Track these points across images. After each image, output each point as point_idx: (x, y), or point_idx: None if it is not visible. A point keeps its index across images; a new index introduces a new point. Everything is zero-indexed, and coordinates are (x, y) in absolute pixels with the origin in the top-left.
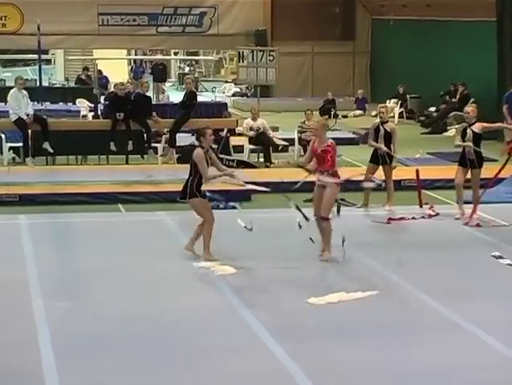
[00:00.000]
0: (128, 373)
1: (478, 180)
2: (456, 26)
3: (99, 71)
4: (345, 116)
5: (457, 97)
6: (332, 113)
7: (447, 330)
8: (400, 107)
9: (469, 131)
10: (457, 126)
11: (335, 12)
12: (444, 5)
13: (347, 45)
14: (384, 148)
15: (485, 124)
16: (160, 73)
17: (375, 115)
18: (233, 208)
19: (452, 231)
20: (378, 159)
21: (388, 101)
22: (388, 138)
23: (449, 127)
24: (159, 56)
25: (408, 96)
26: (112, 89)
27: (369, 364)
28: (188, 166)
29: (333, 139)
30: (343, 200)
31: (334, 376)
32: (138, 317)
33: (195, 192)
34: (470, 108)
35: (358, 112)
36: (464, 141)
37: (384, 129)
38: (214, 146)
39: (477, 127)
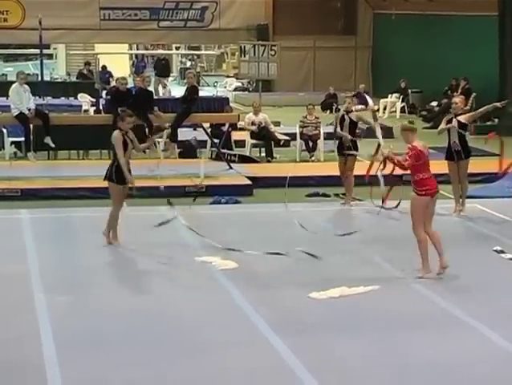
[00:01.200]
0: (128, 367)
1: (466, 171)
2: (458, 20)
3: (104, 66)
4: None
5: (459, 92)
6: (334, 108)
7: (449, 324)
8: (402, 101)
9: (454, 120)
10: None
11: (337, 6)
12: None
13: (348, 39)
14: (349, 137)
15: (472, 113)
16: (163, 68)
17: (377, 110)
18: (236, 202)
19: (452, 226)
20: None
21: (389, 95)
22: (354, 127)
23: None
24: (160, 51)
25: (409, 91)
26: (114, 83)
27: (370, 358)
28: (189, 160)
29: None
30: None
31: (335, 370)
32: (139, 311)
33: (111, 176)
34: (458, 99)
35: (360, 107)
36: (449, 133)
37: (350, 118)
38: (216, 141)
39: (464, 117)
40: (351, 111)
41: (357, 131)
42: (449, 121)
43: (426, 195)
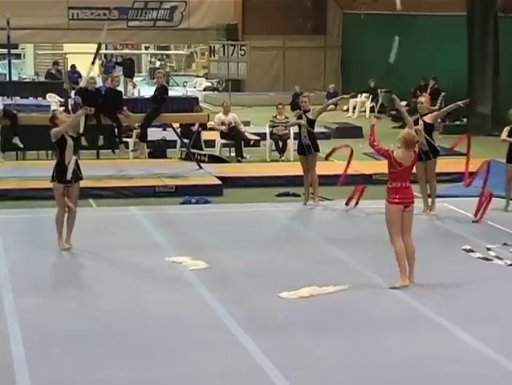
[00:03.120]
0: (98, 368)
1: (434, 171)
2: (426, 20)
3: (73, 66)
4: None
5: (428, 91)
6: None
7: (419, 323)
8: (372, 101)
9: (420, 121)
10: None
11: (306, 6)
12: (415, 0)
13: (318, 39)
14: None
15: (436, 113)
16: (129, 68)
17: (347, 110)
18: (206, 202)
19: (422, 225)
20: (304, 149)
21: (359, 95)
22: (311, 126)
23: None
24: (127, 50)
25: (379, 90)
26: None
27: (341, 357)
28: (159, 160)
29: None
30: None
31: (306, 369)
32: (110, 312)
33: (53, 175)
34: (424, 98)
35: (329, 107)
36: (416, 134)
37: (307, 117)
38: (186, 140)
39: (429, 117)
40: (309, 110)
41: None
42: (416, 122)
43: (397, 204)
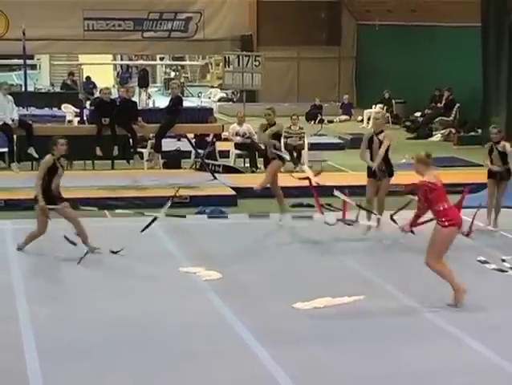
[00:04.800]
0: (112, 377)
1: (386, 190)
2: (441, 31)
3: (88, 77)
4: (331, 121)
5: (443, 102)
6: (318, 118)
7: (433, 334)
8: (386, 112)
9: (375, 139)
10: (442, 131)
11: (321, 17)
12: (430, 10)
13: (332, 50)
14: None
15: (389, 133)
16: (143, 78)
17: (361, 120)
18: (220, 213)
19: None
20: (268, 161)
21: (373, 106)
22: (276, 139)
23: (434, 132)
24: (141, 61)
25: (393, 101)
26: (98, 94)
27: (354, 368)
28: (173, 171)
29: (319, 144)
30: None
31: (318, 380)
32: (123, 321)
33: (36, 196)
34: (380, 114)
35: (344, 117)
36: (372, 151)
37: (271, 130)
38: (200, 151)
39: (383, 136)
40: (275, 123)
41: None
42: (370, 140)
43: (452, 226)
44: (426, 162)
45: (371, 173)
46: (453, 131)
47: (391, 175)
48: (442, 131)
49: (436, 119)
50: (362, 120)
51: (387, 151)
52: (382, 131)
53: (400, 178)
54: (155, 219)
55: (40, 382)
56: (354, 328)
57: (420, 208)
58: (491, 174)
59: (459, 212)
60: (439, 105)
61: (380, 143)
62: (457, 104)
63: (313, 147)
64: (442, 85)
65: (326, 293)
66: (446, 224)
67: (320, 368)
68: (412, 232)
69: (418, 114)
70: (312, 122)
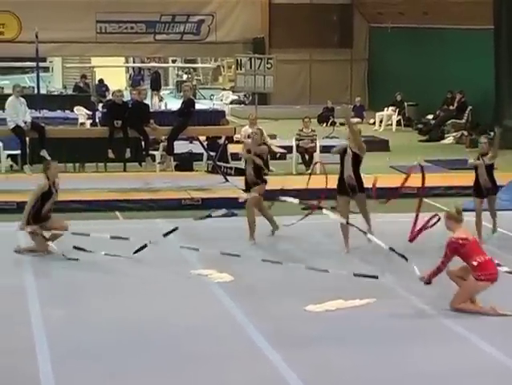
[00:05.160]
0: (124, 380)
1: (364, 204)
2: (453, 33)
3: (100, 80)
4: (343, 124)
5: (455, 105)
6: (330, 121)
7: (443, 336)
8: (398, 114)
9: (348, 150)
10: (454, 134)
11: (333, 20)
12: (442, 13)
13: (344, 52)
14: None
15: (362, 146)
16: (155, 81)
17: (373, 123)
18: (232, 215)
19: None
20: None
21: (385, 109)
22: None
23: (446, 135)
24: (153, 64)
25: (405, 104)
26: (110, 96)
27: (365, 370)
28: (185, 173)
29: (331, 146)
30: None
31: (330, 382)
32: (136, 324)
33: (29, 220)
34: (356, 126)
35: (356, 120)
36: (343, 163)
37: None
38: (212, 153)
39: (354, 146)
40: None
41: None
42: (344, 151)
43: (488, 280)
44: (457, 218)
45: (341, 189)
46: (466, 133)
47: (362, 190)
48: (454, 134)
49: (449, 122)
50: (374, 123)
51: (358, 164)
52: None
53: (413, 180)
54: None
55: (52, 384)
56: (365, 331)
57: (443, 262)
58: (478, 191)
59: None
60: (451, 107)
61: (353, 154)
62: (470, 107)
63: (325, 149)
64: (454, 87)
65: (338, 296)
66: (482, 278)
67: (332, 371)
68: (429, 283)
69: (430, 116)
70: (324, 124)
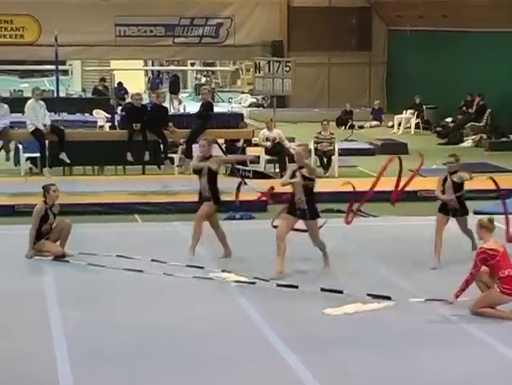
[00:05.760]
0: (142, 381)
1: (316, 231)
2: (472, 36)
3: (119, 83)
4: (361, 127)
5: (474, 108)
6: (348, 124)
7: (463, 341)
8: (417, 117)
9: (298, 173)
10: (473, 137)
11: (352, 23)
12: (461, 16)
13: (363, 55)
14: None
15: (312, 167)
16: (174, 84)
17: (392, 126)
18: (250, 218)
19: (463, 241)
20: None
21: (404, 111)
22: (212, 177)
23: (465, 138)
24: (172, 67)
25: (424, 107)
26: (129, 99)
27: (382, 374)
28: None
29: (350, 149)
30: (360, 210)
31: None
32: (154, 326)
33: (32, 245)
34: (301, 148)
35: (374, 123)
36: (294, 188)
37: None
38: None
39: (306, 171)
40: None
41: None
42: (293, 174)
43: (509, 295)
44: (488, 227)
45: (291, 210)
46: (485, 136)
47: (313, 216)
48: (473, 137)
49: (468, 125)
50: (392, 126)
51: (311, 192)
52: (302, 167)
53: (430, 183)
54: None
55: None
56: (384, 334)
57: (472, 274)
58: (444, 207)
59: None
60: (470, 110)
61: (304, 178)
62: (489, 110)
63: (343, 152)
64: (473, 90)
65: (356, 299)
66: (507, 292)
67: (349, 374)
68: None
69: (449, 119)
70: (343, 127)
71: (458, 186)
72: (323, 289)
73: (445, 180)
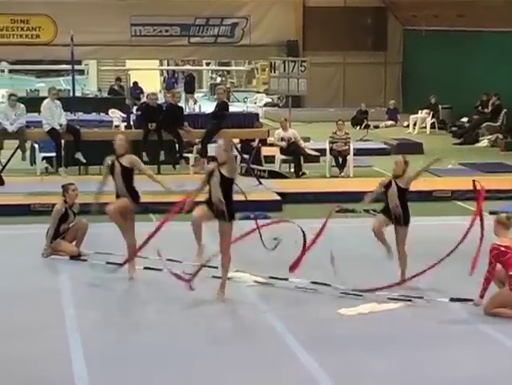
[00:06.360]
0: (158, 382)
1: (227, 236)
2: (488, 36)
3: (135, 83)
4: (376, 127)
5: (490, 108)
6: (364, 124)
7: (478, 340)
8: (432, 117)
9: (217, 172)
10: (488, 136)
11: (367, 22)
12: (477, 15)
13: (378, 55)
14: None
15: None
16: (189, 84)
17: (407, 126)
18: (265, 218)
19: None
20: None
21: (419, 111)
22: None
23: (481, 138)
24: (188, 66)
25: (439, 107)
26: (144, 99)
27: (398, 375)
28: None
29: (365, 149)
30: (373, 210)
31: None
32: (168, 326)
33: (49, 244)
34: (223, 142)
35: (389, 123)
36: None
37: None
38: (246, 156)
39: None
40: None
41: None
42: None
43: None
44: (505, 224)
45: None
46: (500, 136)
47: (231, 218)
48: (489, 137)
49: (483, 125)
50: (408, 126)
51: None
52: (225, 162)
53: (446, 183)
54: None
55: None
56: (399, 334)
57: (490, 271)
58: (387, 212)
59: None
60: (486, 110)
61: (221, 176)
62: (504, 110)
63: (358, 152)
64: (489, 90)
65: (371, 299)
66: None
67: (365, 375)
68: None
69: (465, 119)
70: (358, 127)
71: (403, 192)
72: (342, 293)
73: (389, 184)
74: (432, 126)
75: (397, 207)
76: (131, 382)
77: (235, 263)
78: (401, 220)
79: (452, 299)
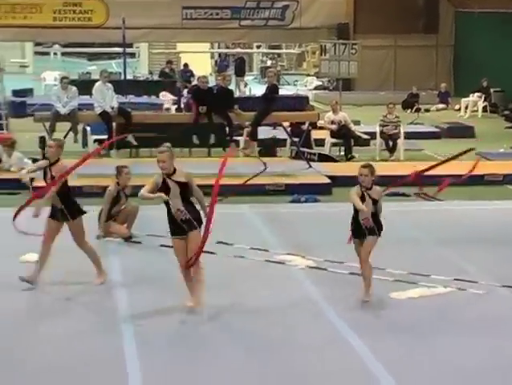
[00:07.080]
0: (206, 364)
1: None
2: None
3: (185, 64)
4: (427, 110)
5: None
6: (415, 107)
7: None
8: (484, 100)
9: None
10: None
11: (419, 5)
12: None
13: (430, 38)
14: None
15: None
16: (239, 67)
17: (458, 109)
18: (315, 201)
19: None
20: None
21: (471, 95)
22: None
23: None
24: (238, 49)
25: (491, 90)
26: (195, 82)
27: (448, 359)
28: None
29: (415, 133)
30: (424, 193)
31: (413, 370)
32: (216, 309)
33: (102, 226)
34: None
35: (441, 106)
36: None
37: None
38: (296, 139)
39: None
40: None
41: None
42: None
43: None
44: None
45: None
46: None
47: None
48: None
49: None
50: (459, 109)
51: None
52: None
53: (497, 167)
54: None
55: (137, 365)
56: (448, 319)
57: None
58: (358, 230)
59: None
60: None
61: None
62: None
63: (409, 135)
64: None
65: (421, 284)
66: None
67: (414, 358)
68: None
69: None
70: (409, 110)
71: (376, 203)
72: (394, 280)
73: (363, 196)
74: (484, 109)
75: (369, 219)
76: (178, 362)
77: (285, 246)
78: (372, 232)
79: (504, 285)
